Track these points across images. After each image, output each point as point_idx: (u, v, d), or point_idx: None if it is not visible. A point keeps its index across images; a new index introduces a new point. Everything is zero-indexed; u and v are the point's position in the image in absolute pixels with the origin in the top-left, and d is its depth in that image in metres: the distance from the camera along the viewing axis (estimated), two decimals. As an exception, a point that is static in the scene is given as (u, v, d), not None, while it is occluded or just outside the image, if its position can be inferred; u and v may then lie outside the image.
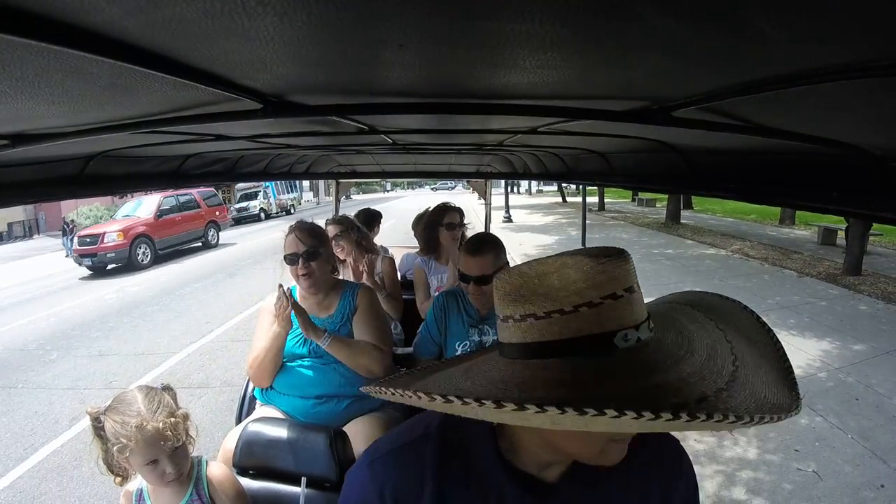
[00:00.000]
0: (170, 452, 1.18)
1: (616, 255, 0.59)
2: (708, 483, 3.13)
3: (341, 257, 2.70)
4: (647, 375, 0.53)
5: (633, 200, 23.79)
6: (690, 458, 0.77)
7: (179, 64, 0.49)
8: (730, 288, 7.46)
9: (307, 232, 1.87)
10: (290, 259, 1.81)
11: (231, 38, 0.42)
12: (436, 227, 2.66)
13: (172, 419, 1.19)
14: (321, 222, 2.48)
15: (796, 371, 0.57)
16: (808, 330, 5.63)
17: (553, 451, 0.66)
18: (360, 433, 1.65)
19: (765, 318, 0.71)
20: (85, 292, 9.69)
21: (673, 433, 0.78)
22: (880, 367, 4.61)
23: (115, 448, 1.16)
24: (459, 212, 2.72)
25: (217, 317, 7.19)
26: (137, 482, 1.26)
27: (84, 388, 4.91)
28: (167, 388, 1.29)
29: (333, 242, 2.69)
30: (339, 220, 2.88)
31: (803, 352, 5.02)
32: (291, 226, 1.93)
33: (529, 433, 0.65)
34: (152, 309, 7.94)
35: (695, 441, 3.57)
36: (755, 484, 3.10)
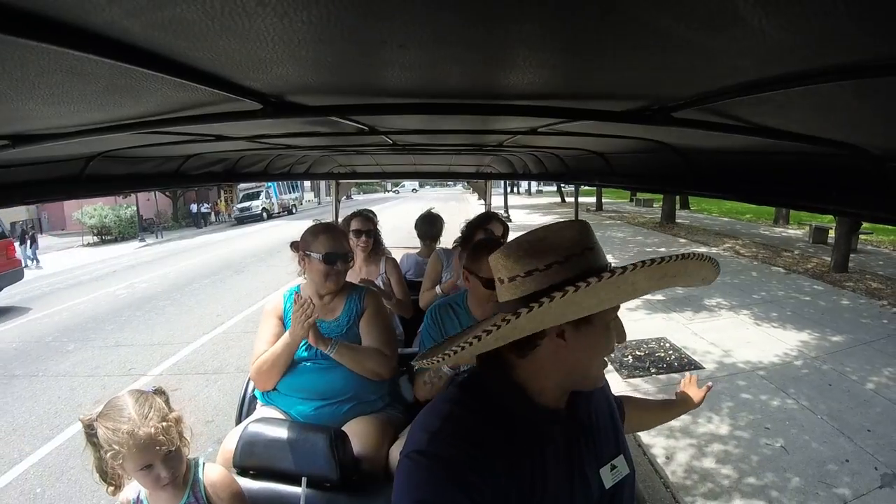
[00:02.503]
0: (163, 457, 1.17)
1: (583, 221, 0.82)
2: (681, 454, 3.24)
3: (361, 253, 2.68)
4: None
5: (631, 200, 23.80)
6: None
7: (179, 64, 0.49)
8: (717, 284, 7.27)
9: (344, 234, 1.87)
10: (329, 258, 1.77)
11: (231, 38, 0.42)
12: (479, 230, 2.66)
13: (164, 423, 1.18)
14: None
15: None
16: (788, 322, 5.66)
17: (569, 383, 0.85)
18: (359, 433, 1.65)
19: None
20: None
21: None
22: (857, 356, 4.64)
23: (108, 455, 1.14)
24: (505, 226, 2.65)
25: (227, 310, 7.36)
26: (135, 489, 1.24)
27: (104, 375, 5.03)
28: (159, 392, 1.27)
29: (360, 237, 2.68)
30: (368, 215, 2.82)
31: (782, 342, 5.03)
32: (325, 223, 1.91)
33: (554, 373, 0.82)
34: (164, 303, 8.08)
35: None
36: (724, 456, 3.22)
